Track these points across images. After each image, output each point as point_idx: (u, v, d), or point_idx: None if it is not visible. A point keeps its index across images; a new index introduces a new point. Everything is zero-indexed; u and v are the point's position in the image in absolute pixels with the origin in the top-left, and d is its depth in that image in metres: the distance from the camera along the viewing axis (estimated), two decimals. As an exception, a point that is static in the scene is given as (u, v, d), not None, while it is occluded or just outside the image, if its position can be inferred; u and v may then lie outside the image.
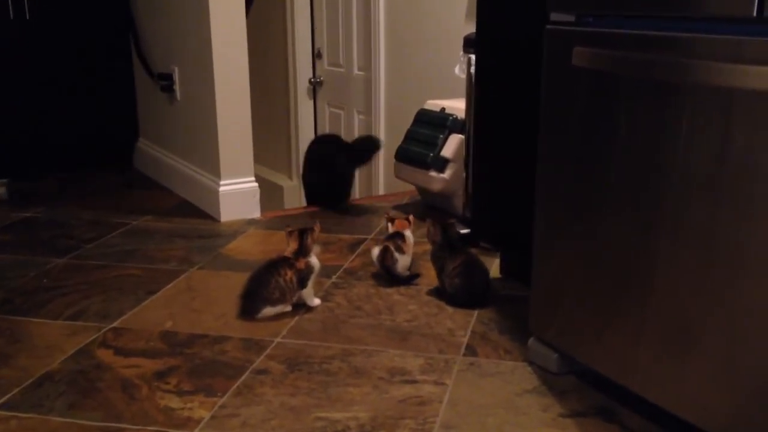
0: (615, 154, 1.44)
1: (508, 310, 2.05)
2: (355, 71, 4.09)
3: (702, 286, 1.29)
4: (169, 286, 2.25)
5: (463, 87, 2.64)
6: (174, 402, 1.60)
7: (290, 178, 4.68)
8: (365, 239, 2.66)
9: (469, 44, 2.49)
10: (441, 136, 2.80)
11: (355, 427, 1.50)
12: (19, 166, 3.51)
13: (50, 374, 1.72)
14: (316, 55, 4.44)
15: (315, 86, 4.48)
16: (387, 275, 2.24)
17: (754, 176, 1.19)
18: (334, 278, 2.29)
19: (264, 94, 4.54)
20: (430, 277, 2.23)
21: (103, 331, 1.95)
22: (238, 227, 2.82)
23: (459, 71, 2.78)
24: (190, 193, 3.17)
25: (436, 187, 2.80)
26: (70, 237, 2.72)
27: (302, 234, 2.04)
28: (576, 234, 1.56)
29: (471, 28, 2.40)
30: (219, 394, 1.63)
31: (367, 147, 3.06)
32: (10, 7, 3.40)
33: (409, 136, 2.95)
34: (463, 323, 1.98)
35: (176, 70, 3.17)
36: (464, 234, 2.43)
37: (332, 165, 3.01)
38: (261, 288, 1.99)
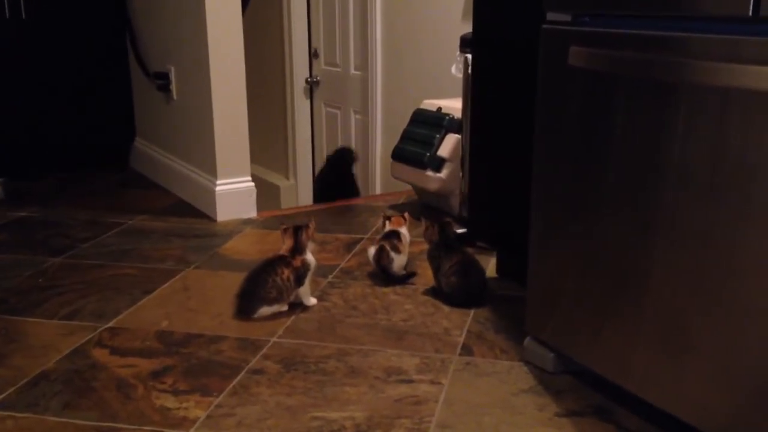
0: (611, 154, 1.44)
1: (504, 310, 2.05)
2: (352, 71, 4.09)
3: (699, 286, 1.29)
4: (165, 285, 2.25)
5: (459, 86, 2.64)
6: (170, 401, 1.60)
7: (287, 177, 4.68)
8: (361, 239, 2.66)
9: (466, 44, 2.49)
10: (437, 135, 2.80)
11: (351, 427, 1.50)
12: (15, 166, 3.51)
13: (46, 374, 1.72)
14: (312, 55, 4.44)
15: (312, 86, 4.48)
16: (383, 274, 2.24)
17: (751, 176, 1.19)
18: (330, 278, 2.29)
19: (260, 94, 4.53)
20: (426, 277, 2.23)
21: (98, 330, 1.95)
22: (235, 227, 2.82)
23: (455, 71, 2.78)
24: (186, 192, 3.17)
25: (432, 186, 2.80)
26: (66, 236, 2.72)
27: (297, 231, 2.04)
28: (573, 234, 1.56)
29: (467, 28, 2.40)
30: (215, 393, 1.63)
31: (340, 158, 3.52)
32: (6, 7, 3.39)
33: (406, 136, 2.95)
34: (459, 323, 1.98)
35: (172, 69, 3.16)
36: (461, 233, 2.43)
37: (320, 174, 3.68)
38: (258, 287, 1.99)
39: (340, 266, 2.39)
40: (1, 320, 2.01)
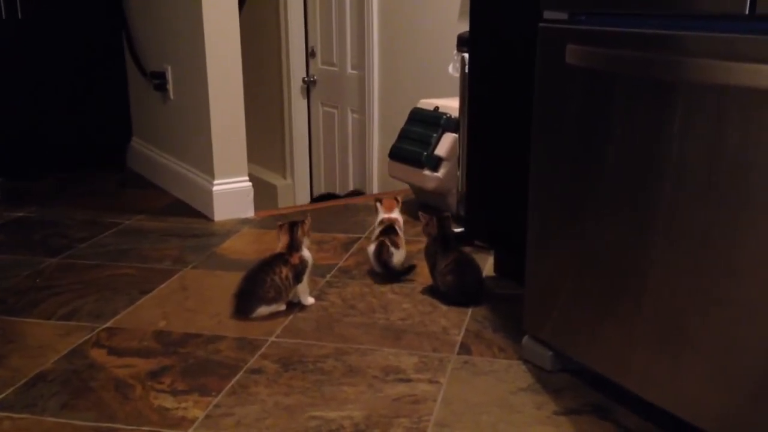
0: (609, 153, 1.44)
1: (502, 309, 2.05)
2: (349, 70, 4.08)
3: (698, 285, 1.29)
4: (163, 285, 2.24)
5: (456, 86, 2.64)
6: (168, 402, 1.60)
7: (284, 177, 4.67)
8: (359, 238, 2.66)
9: (463, 43, 2.49)
10: (435, 134, 2.80)
11: (349, 426, 1.50)
12: (12, 166, 3.50)
13: (43, 374, 1.72)
14: (309, 54, 4.44)
15: (309, 85, 4.47)
16: (383, 270, 2.24)
17: (748, 174, 1.19)
18: (328, 277, 2.29)
19: (257, 93, 4.53)
20: (424, 276, 2.23)
21: (96, 330, 1.94)
22: (232, 226, 2.81)
23: (453, 70, 2.78)
24: (183, 192, 3.16)
25: (429, 185, 2.80)
26: (64, 236, 2.71)
27: (292, 227, 2.04)
28: (571, 233, 1.56)
29: (464, 27, 2.40)
30: (213, 393, 1.63)
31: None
32: (2, 7, 3.38)
33: (403, 135, 2.95)
34: (457, 321, 1.98)
35: (169, 68, 3.16)
36: (458, 233, 2.43)
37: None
38: (256, 287, 1.99)
39: (338, 265, 2.39)
40: (-1, 321, 2.01)
